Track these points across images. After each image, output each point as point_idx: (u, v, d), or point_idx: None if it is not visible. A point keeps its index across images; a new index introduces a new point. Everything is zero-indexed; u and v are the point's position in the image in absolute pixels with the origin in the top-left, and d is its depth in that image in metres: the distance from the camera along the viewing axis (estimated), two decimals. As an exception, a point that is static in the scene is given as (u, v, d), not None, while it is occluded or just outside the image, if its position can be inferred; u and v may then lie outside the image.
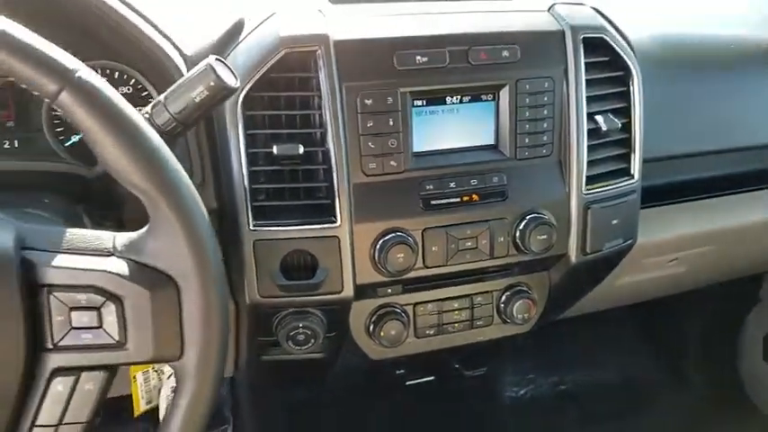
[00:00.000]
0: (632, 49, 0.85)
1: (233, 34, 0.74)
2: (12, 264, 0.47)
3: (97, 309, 0.48)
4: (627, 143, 0.84)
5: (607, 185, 0.82)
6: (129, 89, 0.77)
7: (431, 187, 0.75)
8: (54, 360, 0.49)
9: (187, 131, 0.60)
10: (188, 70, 0.71)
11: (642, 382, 1.46)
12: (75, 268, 0.48)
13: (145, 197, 0.48)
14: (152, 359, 0.49)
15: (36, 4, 0.65)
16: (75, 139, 0.77)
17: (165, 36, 0.71)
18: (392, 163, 0.74)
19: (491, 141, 0.78)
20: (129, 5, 0.69)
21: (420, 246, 0.75)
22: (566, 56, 0.78)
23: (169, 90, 0.57)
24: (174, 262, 0.48)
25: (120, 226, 0.72)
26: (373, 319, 0.81)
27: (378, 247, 0.74)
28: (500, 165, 0.77)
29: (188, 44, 0.74)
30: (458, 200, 0.76)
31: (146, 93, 0.78)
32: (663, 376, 1.47)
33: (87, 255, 0.49)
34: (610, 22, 0.84)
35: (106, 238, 0.50)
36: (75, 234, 0.50)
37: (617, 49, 0.81)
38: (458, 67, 0.74)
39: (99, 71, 0.75)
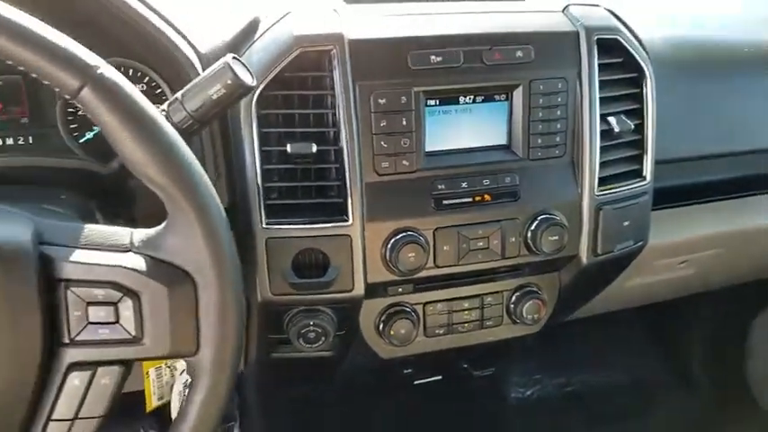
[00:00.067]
0: (645, 50, 0.84)
1: (248, 33, 0.75)
2: (30, 259, 0.47)
3: (114, 304, 0.48)
4: (639, 145, 0.84)
5: (619, 187, 0.82)
6: (143, 87, 0.77)
7: (443, 187, 0.75)
8: (71, 355, 0.49)
9: (203, 129, 0.60)
10: (203, 68, 0.71)
11: (649, 384, 1.45)
12: (92, 264, 0.48)
13: (163, 193, 0.48)
14: (168, 354, 0.50)
15: (51, 1, 0.66)
16: (89, 135, 0.78)
17: (181, 34, 0.72)
18: (404, 162, 0.74)
19: (503, 141, 0.78)
20: (145, 3, 0.70)
21: (431, 245, 0.75)
22: (579, 57, 0.78)
23: (186, 88, 0.57)
24: (192, 258, 0.49)
25: (132, 223, 0.72)
26: (383, 318, 0.82)
27: (389, 246, 0.74)
28: (512, 165, 0.77)
29: (203, 42, 0.74)
30: (470, 200, 0.76)
31: (159, 90, 0.78)
32: (670, 378, 1.46)
33: (105, 250, 0.49)
34: (623, 23, 0.84)
35: (123, 233, 0.51)
36: (93, 230, 0.50)
37: (631, 50, 0.81)
38: (472, 66, 0.74)
39: None
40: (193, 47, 0.72)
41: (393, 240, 0.74)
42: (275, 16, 0.74)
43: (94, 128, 0.78)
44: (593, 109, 0.78)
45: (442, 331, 0.84)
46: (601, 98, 0.79)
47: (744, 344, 1.42)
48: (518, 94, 0.76)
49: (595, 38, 0.79)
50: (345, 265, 0.73)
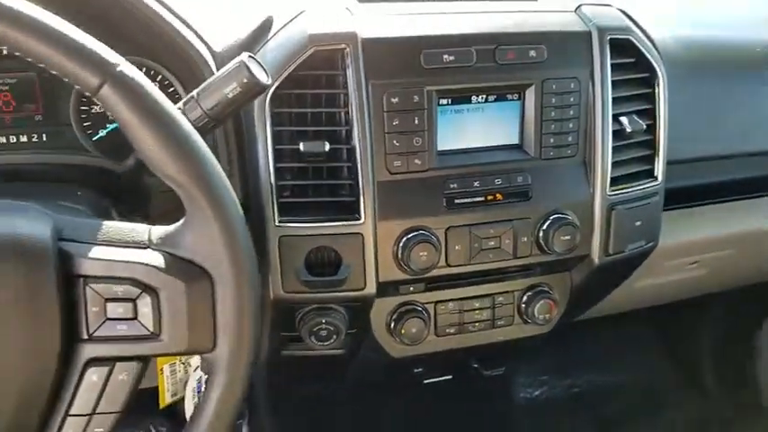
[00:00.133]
0: (658, 50, 0.84)
1: (262, 32, 0.75)
2: (49, 255, 0.48)
3: (133, 300, 0.49)
4: (651, 145, 0.84)
5: (631, 187, 0.82)
6: (155, 85, 0.78)
7: (455, 186, 0.75)
8: (89, 350, 0.50)
9: (217, 128, 0.61)
10: (217, 67, 0.72)
11: (657, 385, 1.45)
12: (111, 260, 0.49)
13: (181, 190, 0.49)
14: (186, 351, 0.50)
15: (67, -1, 0.66)
16: (102, 133, 0.78)
17: (196, 33, 0.72)
18: (416, 161, 0.74)
19: (516, 141, 0.78)
20: (161, 2, 0.70)
21: (443, 244, 0.75)
22: (592, 57, 0.78)
23: (202, 86, 0.57)
24: (209, 255, 0.49)
25: (146, 221, 0.72)
26: (394, 317, 0.82)
27: (401, 244, 0.74)
28: (524, 164, 0.77)
29: (217, 41, 0.74)
30: (482, 199, 0.76)
31: (172, 89, 0.78)
32: (678, 380, 1.46)
33: (123, 247, 0.50)
34: (635, 23, 0.84)
35: (141, 230, 0.51)
36: (112, 226, 0.51)
37: (643, 50, 0.81)
38: (484, 66, 0.74)
39: None
40: (208, 45, 0.73)
41: (405, 239, 0.74)
42: (289, 15, 0.75)
43: (108, 126, 0.78)
44: (605, 109, 0.78)
45: (452, 330, 0.84)
46: (613, 98, 0.79)
47: (753, 345, 1.41)
48: (530, 94, 0.76)
49: (608, 38, 0.79)
50: (357, 263, 0.73)
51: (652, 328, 1.47)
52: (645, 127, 0.82)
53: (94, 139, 0.78)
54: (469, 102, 0.76)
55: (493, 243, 0.77)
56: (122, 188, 0.74)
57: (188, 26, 0.72)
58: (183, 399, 0.73)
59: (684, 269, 1.01)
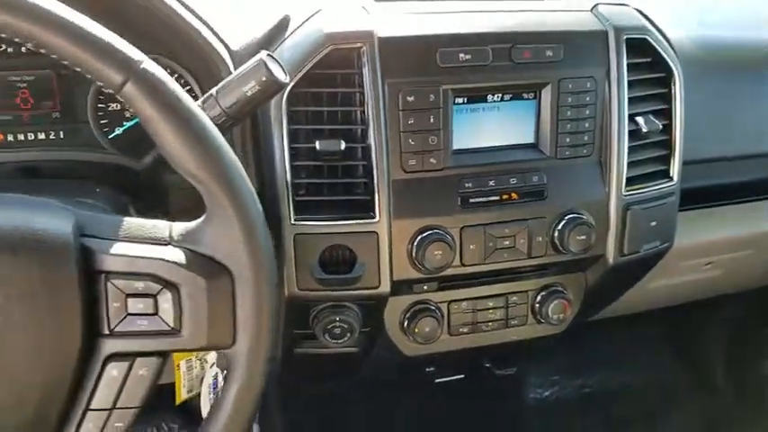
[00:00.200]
0: (674, 50, 0.84)
1: (278, 30, 0.75)
2: (71, 251, 0.48)
3: (153, 296, 0.49)
4: (667, 145, 0.83)
5: (646, 187, 0.82)
6: None
7: (470, 185, 0.75)
8: (109, 346, 0.50)
9: (235, 126, 0.61)
10: (234, 66, 0.72)
11: (668, 387, 1.44)
12: (133, 256, 0.49)
13: (202, 187, 0.49)
14: (205, 346, 0.50)
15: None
16: (118, 131, 0.79)
17: (213, 31, 0.72)
18: (432, 160, 0.74)
19: (531, 140, 0.78)
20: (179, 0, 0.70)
21: (458, 243, 0.75)
22: (608, 56, 0.77)
23: (221, 84, 0.58)
24: (229, 252, 0.49)
25: (164, 218, 0.73)
26: (408, 316, 0.82)
27: (415, 243, 0.74)
28: (540, 164, 0.77)
29: (234, 40, 0.74)
30: (496, 198, 0.76)
31: (188, 87, 0.79)
32: (690, 380, 1.45)
33: (145, 243, 0.50)
34: (652, 23, 0.84)
35: (162, 227, 0.51)
36: (133, 223, 0.51)
37: (659, 50, 0.81)
38: (500, 65, 0.74)
39: None
40: (225, 44, 0.73)
41: (419, 238, 0.74)
42: (306, 14, 0.75)
43: (124, 124, 0.79)
44: (621, 109, 0.78)
45: (466, 330, 0.84)
46: (629, 98, 0.79)
47: (765, 346, 1.40)
48: (546, 93, 0.76)
49: (624, 37, 0.78)
50: (372, 261, 0.73)
51: (664, 329, 1.46)
52: (661, 127, 0.81)
53: (111, 136, 0.78)
54: (485, 101, 0.75)
55: (507, 243, 0.77)
56: (141, 185, 0.74)
57: (206, 24, 0.72)
58: (196, 395, 0.74)
59: (699, 270, 1.01)
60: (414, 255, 0.74)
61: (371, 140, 0.71)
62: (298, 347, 0.84)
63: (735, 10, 1.11)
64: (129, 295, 0.49)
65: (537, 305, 0.84)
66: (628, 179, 0.80)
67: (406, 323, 0.82)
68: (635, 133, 0.80)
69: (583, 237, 0.77)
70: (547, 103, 0.76)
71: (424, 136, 0.73)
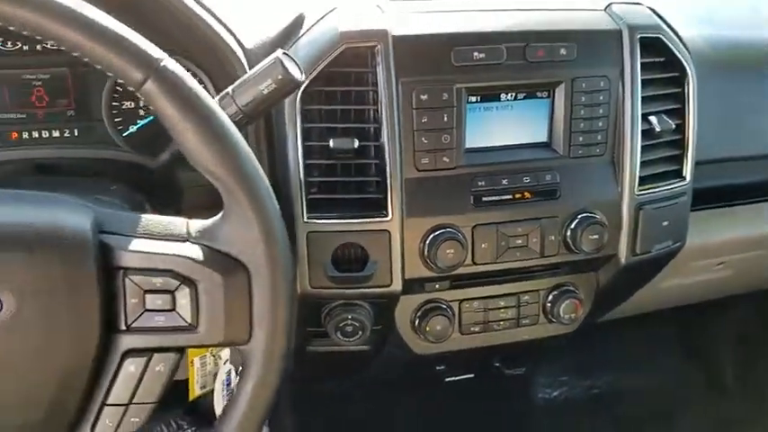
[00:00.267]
0: (688, 49, 0.84)
1: (293, 29, 0.76)
2: (90, 247, 0.48)
3: (171, 292, 0.49)
4: (680, 144, 0.83)
5: (659, 187, 0.81)
6: None
7: (482, 184, 0.75)
8: (127, 341, 0.50)
9: (250, 125, 0.61)
10: (248, 64, 0.72)
11: (678, 387, 1.44)
12: (151, 252, 0.49)
13: (220, 184, 0.49)
14: (222, 342, 0.51)
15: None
16: (133, 129, 0.79)
17: (228, 29, 0.73)
18: (444, 159, 0.74)
19: (544, 139, 0.78)
20: (197, -1, 0.71)
21: (470, 242, 0.75)
22: (622, 55, 0.77)
23: (237, 82, 0.58)
24: (247, 249, 0.50)
25: (178, 215, 0.73)
26: (419, 314, 0.82)
27: (428, 242, 0.74)
28: (553, 163, 0.77)
29: (248, 38, 0.75)
30: (509, 197, 0.76)
31: (202, 86, 0.79)
32: (699, 381, 1.44)
33: (163, 240, 0.50)
34: (665, 22, 0.84)
35: (180, 223, 0.52)
36: (151, 219, 0.52)
37: (673, 49, 0.81)
38: (514, 64, 0.74)
39: None
40: (240, 42, 0.73)
41: (432, 236, 0.74)
42: (320, 12, 0.75)
43: (138, 122, 0.79)
44: (634, 108, 0.78)
45: (477, 329, 0.84)
46: (642, 97, 0.78)
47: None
48: (560, 92, 0.76)
49: (638, 36, 0.78)
50: (384, 260, 0.73)
51: (674, 329, 1.45)
52: (674, 126, 0.81)
53: (125, 134, 0.79)
54: (499, 99, 0.75)
55: (520, 242, 0.77)
56: (156, 183, 0.75)
57: (221, 22, 0.72)
58: (208, 392, 0.74)
59: (710, 270, 1.01)
60: (426, 253, 0.74)
61: (384, 139, 0.72)
62: (309, 345, 0.84)
63: (737, 10, 1.11)
64: (146, 291, 0.49)
65: (548, 305, 0.84)
66: (640, 179, 0.80)
67: (417, 322, 0.82)
68: (648, 133, 0.80)
69: (595, 236, 0.77)
70: (560, 102, 0.76)
71: (437, 134, 0.73)
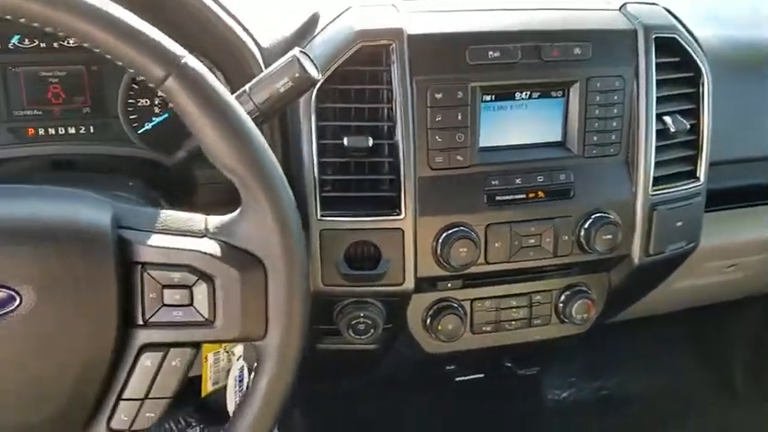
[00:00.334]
0: (702, 49, 0.83)
1: (308, 28, 0.76)
2: (109, 241, 0.49)
3: (189, 287, 0.50)
4: (694, 145, 0.83)
5: (673, 187, 0.81)
6: None
7: (496, 183, 0.75)
8: (144, 336, 0.51)
9: (266, 123, 0.62)
10: (264, 63, 0.73)
11: (688, 389, 1.43)
12: (169, 248, 0.50)
13: (239, 181, 0.50)
14: (238, 338, 0.51)
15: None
16: (148, 126, 0.80)
17: (244, 27, 0.73)
18: (458, 157, 0.74)
19: (558, 138, 0.78)
20: (213, -3, 0.71)
21: (483, 241, 0.75)
22: (637, 55, 0.77)
23: (254, 80, 0.58)
24: (264, 245, 0.50)
25: (193, 211, 0.74)
26: (431, 313, 0.82)
27: (441, 240, 0.74)
28: (567, 162, 0.77)
29: (264, 36, 0.75)
30: (523, 196, 0.76)
31: (217, 83, 0.80)
32: (710, 383, 1.43)
33: (181, 235, 0.51)
34: (681, 22, 0.83)
35: (198, 219, 0.52)
36: (169, 215, 0.52)
37: (688, 49, 0.80)
38: (529, 63, 0.74)
39: None
40: (256, 41, 0.74)
41: (445, 235, 0.74)
42: (335, 11, 0.75)
43: (153, 119, 0.80)
44: (649, 108, 0.78)
45: (489, 328, 0.84)
46: (657, 97, 0.78)
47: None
48: (575, 91, 0.76)
49: (653, 36, 0.78)
50: (397, 258, 0.73)
51: (685, 331, 1.45)
52: (688, 127, 0.81)
53: (140, 131, 0.79)
54: (513, 98, 0.75)
55: (533, 241, 0.76)
56: (171, 180, 0.75)
57: (237, 21, 0.73)
58: (220, 388, 0.74)
59: (723, 271, 1.00)
60: (438, 252, 0.74)
61: (399, 137, 0.72)
62: (320, 343, 0.84)
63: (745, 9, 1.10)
64: (165, 286, 0.50)
65: (561, 305, 0.84)
66: (654, 179, 0.79)
67: (428, 320, 0.82)
68: (662, 133, 0.79)
69: (609, 236, 0.77)
70: (575, 101, 0.76)
71: (452, 133, 0.73)
